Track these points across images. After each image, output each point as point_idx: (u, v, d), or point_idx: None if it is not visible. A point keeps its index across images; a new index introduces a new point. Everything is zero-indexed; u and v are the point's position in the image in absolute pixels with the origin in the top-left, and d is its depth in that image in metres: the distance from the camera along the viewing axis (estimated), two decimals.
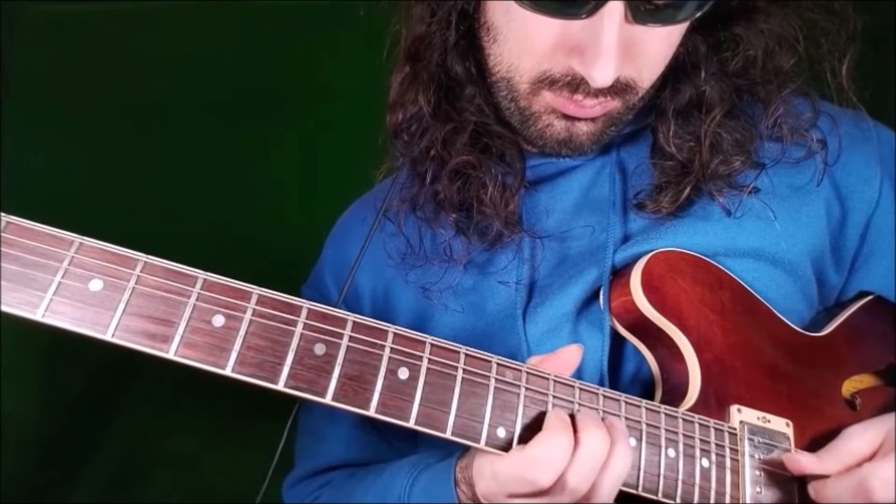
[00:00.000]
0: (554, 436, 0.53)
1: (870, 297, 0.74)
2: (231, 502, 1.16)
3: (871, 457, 0.58)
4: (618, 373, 0.69)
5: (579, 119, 0.66)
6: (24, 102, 1.43)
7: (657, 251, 0.67)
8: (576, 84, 0.62)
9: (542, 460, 0.52)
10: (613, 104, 0.65)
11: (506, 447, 0.54)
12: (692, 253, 0.68)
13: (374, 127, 0.78)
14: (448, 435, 0.53)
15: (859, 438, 0.60)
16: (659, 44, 0.62)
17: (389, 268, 0.78)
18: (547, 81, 0.63)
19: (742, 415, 0.62)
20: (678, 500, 0.57)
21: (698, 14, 0.60)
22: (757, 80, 0.69)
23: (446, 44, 0.69)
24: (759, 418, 0.63)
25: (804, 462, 0.60)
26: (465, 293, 0.74)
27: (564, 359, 0.59)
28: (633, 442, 0.57)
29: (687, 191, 0.69)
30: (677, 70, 0.70)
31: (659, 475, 0.57)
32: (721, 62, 0.69)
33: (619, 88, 0.63)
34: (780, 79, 0.69)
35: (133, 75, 1.47)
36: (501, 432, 0.54)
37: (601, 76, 0.58)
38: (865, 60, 0.67)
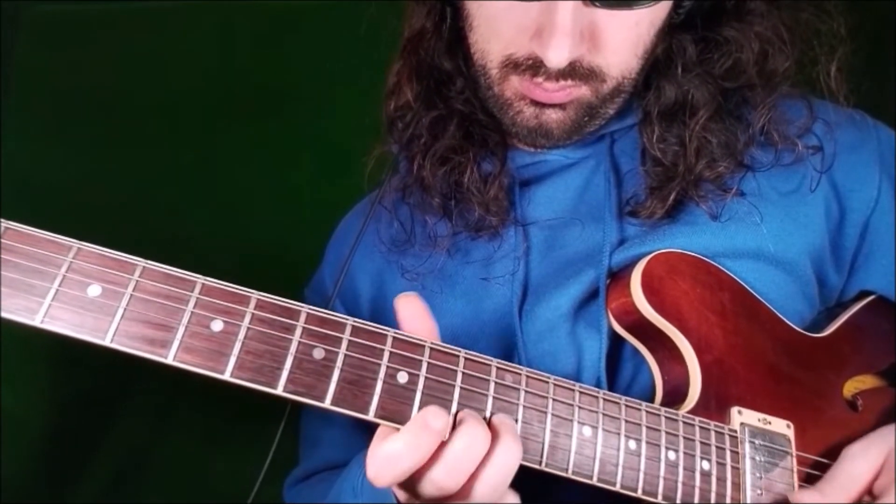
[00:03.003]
0: (404, 435, 0.50)
1: (871, 297, 0.74)
2: (229, 503, 1.16)
3: (875, 478, 0.58)
4: (616, 374, 0.69)
5: (547, 106, 0.67)
6: (24, 103, 1.43)
7: (657, 252, 0.66)
8: (537, 67, 0.63)
9: (386, 456, 0.49)
10: (580, 91, 0.66)
11: None
12: (692, 254, 0.67)
13: (379, 127, 0.79)
14: None
15: (861, 460, 0.59)
16: (624, 30, 0.62)
17: (386, 268, 0.78)
18: (511, 65, 0.65)
19: (743, 417, 0.62)
20: (678, 503, 0.57)
21: (654, 2, 0.60)
22: (746, 84, 0.69)
23: (438, 38, 0.72)
24: (759, 420, 0.62)
25: (806, 499, 0.58)
26: (451, 281, 0.74)
27: (410, 314, 0.56)
28: (633, 445, 0.57)
29: (673, 195, 0.69)
30: (662, 70, 0.70)
31: (659, 477, 0.57)
32: (708, 64, 0.69)
33: (582, 73, 0.63)
34: (771, 82, 0.69)
35: (134, 75, 1.47)
36: None
37: (555, 56, 0.60)
38: (865, 60, 0.67)
